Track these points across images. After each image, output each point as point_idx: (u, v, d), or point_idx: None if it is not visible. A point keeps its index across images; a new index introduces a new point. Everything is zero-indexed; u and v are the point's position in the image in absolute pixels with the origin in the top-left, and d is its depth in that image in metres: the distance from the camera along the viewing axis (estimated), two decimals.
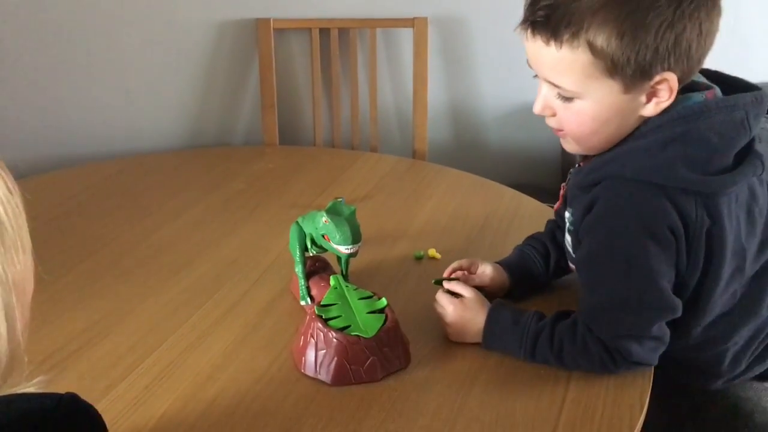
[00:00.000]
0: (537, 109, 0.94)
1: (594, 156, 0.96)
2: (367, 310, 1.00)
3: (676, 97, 0.88)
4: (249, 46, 1.96)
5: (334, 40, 1.92)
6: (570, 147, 0.97)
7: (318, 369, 0.96)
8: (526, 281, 1.12)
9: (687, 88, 0.91)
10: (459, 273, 1.11)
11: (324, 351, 0.95)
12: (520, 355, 0.97)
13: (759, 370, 1.05)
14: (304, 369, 0.97)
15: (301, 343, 0.98)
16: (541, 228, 1.20)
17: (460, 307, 1.02)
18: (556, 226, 1.15)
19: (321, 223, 1.04)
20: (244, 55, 1.98)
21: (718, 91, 0.92)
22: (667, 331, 0.93)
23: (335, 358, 0.95)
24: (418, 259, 1.26)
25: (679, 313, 0.92)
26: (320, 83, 1.96)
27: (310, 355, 0.96)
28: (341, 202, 1.06)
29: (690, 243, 0.89)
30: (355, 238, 1.02)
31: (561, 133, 0.96)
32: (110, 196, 1.54)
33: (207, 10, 1.93)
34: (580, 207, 0.95)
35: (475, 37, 2.01)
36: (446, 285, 1.07)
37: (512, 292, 1.12)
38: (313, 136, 2.02)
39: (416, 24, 1.91)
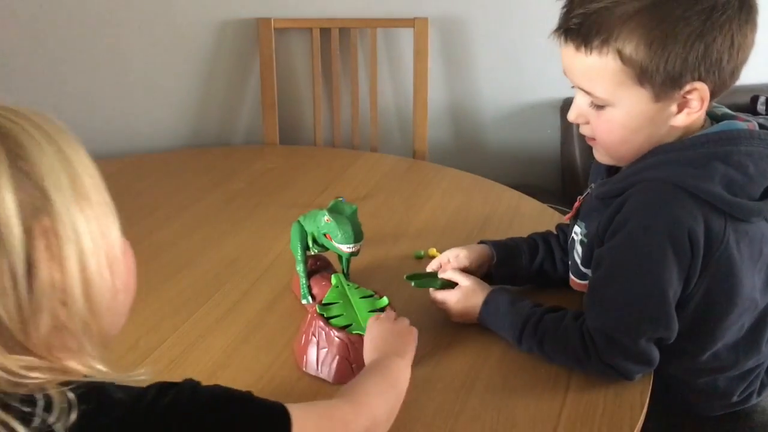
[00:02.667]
0: (571, 117, 0.96)
1: (622, 168, 0.97)
2: (369, 309, 1.00)
3: (720, 120, 0.92)
4: (250, 45, 1.97)
5: (335, 40, 1.93)
6: (601, 157, 0.99)
7: (320, 367, 0.96)
8: (509, 262, 1.13)
9: (728, 118, 0.94)
10: (436, 268, 1.13)
11: (326, 349, 0.96)
12: (509, 336, 1.00)
13: (750, 403, 1.05)
14: (305, 367, 0.97)
15: (303, 341, 0.98)
16: (540, 228, 1.20)
17: (458, 296, 1.04)
18: (553, 235, 1.16)
19: (323, 222, 1.04)
20: (244, 54, 1.99)
21: (756, 125, 0.93)
22: (656, 355, 0.92)
23: (337, 357, 0.95)
24: (419, 258, 1.26)
25: (673, 337, 0.91)
26: (321, 83, 1.96)
27: (312, 353, 0.97)
28: (342, 202, 1.06)
29: (708, 258, 0.89)
30: (357, 236, 1.03)
31: (593, 142, 0.97)
32: (110, 195, 1.54)
33: (208, 10, 1.93)
34: (599, 218, 0.95)
35: (475, 38, 2.02)
36: (442, 274, 1.09)
37: (494, 274, 1.12)
38: (313, 136, 2.02)
39: (417, 24, 1.91)
